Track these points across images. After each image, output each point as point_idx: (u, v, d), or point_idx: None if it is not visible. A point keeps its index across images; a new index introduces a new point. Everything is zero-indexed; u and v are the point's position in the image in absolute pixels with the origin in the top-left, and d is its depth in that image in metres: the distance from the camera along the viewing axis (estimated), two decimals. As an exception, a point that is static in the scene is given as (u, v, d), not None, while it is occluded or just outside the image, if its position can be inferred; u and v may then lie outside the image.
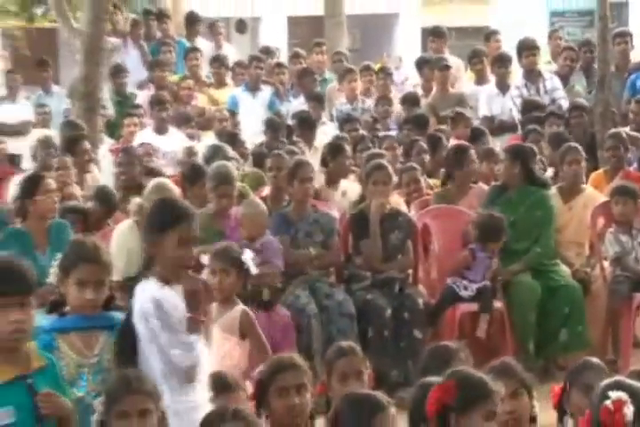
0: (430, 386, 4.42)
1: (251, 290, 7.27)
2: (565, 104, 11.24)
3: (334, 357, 5.11)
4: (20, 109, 13.15)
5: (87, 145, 9.92)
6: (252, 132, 11.24)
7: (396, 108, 11.87)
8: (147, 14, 15.08)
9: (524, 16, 17.82)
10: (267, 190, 8.61)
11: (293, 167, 8.09)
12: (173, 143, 10.56)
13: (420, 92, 12.45)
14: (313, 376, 4.72)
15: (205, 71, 13.40)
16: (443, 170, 9.22)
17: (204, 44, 14.33)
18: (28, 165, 10.08)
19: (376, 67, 13.03)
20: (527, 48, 11.71)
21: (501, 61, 11.79)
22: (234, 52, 14.78)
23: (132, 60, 13.81)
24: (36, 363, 4.19)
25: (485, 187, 8.60)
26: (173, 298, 4.57)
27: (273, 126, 10.80)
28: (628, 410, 4.05)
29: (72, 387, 4.78)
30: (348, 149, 9.21)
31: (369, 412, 4.08)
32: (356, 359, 5.11)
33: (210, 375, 4.98)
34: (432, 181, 9.28)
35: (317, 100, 11.88)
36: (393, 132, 10.97)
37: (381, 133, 10.71)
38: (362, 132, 10.40)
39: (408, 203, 8.68)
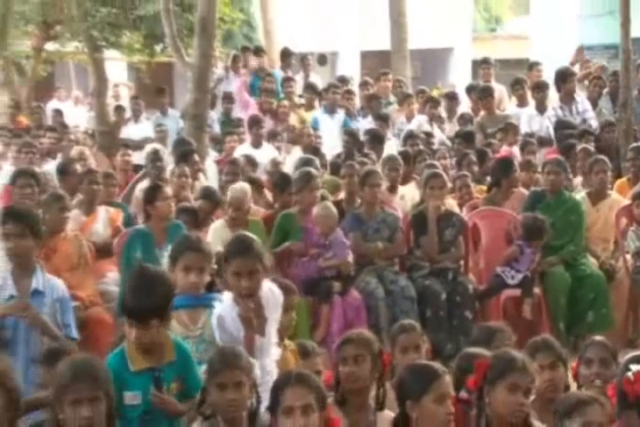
0: (470, 356, 4.64)
1: (325, 284, 7.43)
2: (594, 123, 11.19)
3: (397, 332, 5.20)
4: (143, 128, 13.39)
5: (196, 157, 10.05)
6: (330, 147, 11.31)
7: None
8: (244, 50, 15.22)
9: (559, 49, 17.64)
10: (342, 194, 8.64)
11: (364, 175, 8.15)
12: (266, 156, 10.64)
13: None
14: (380, 349, 4.68)
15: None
16: (488, 178, 9.30)
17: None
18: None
19: (432, 92, 13.06)
20: (568, 75, 11.67)
21: (540, 87, 11.71)
22: (317, 80, 14.86)
23: (232, 87, 14.00)
24: (167, 357, 4.31)
25: (525, 192, 8.56)
26: (234, 320, 4.57)
27: (350, 142, 10.93)
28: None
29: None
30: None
31: (427, 379, 4.10)
32: (416, 335, 5.18)
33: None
34: (479, 187, 9.27)
35: (383, 119, 11.97)
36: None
37: (435, 147, 10.70)
38: (421, 146, 10.43)
39: (460, 205, 8.69)
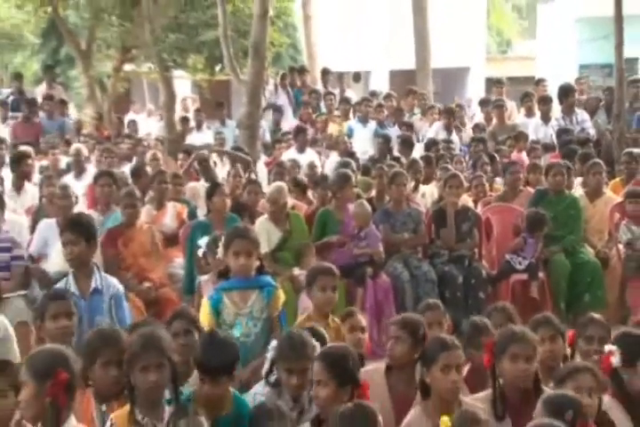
0: (476, 325, 4.76)
1: (359, 269, 7.42)
2: (592, 132, 11.18)
3: (423, 310, 5.16)
4: (204, 136, 13.43)
5: (249, 160, 10.14)
6: (362, 151, 11.32)
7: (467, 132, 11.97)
8: (291, 70, 15.25)
9: (561, 68, 17.54)
10: (373, 192, 8.63)
11: (392, 176, 8.13)
12: (309, 159, 10.66)
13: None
14: (424, 331, 4.56)
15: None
16: (497, 178, 9.29)
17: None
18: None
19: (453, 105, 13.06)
20: (570, 91, 11.60)
21: (545, 101, 11.66)
22: (351, 95, 14.87)
23: (281, 101, 14.04)
24: (225, 409, 4.11)
25: (532, 191, 8.49)
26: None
27: (383, 146, 10.92)
28: (615, 359, 4.09)
29: (231, 329, 4.95)
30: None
31: (437, 350, 4.08)
32: (439, 313, 5.16)
33: None
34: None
35: (408, 127, 11.99)
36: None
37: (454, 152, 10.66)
38: (441, 151, 10.39)
39: (475, 201, 8.64)
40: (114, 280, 5.76)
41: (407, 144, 10.70)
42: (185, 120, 13.88)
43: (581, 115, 11.43)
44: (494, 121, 12.02)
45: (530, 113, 11.96)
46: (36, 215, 8.06)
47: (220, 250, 5.25)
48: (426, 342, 4.39)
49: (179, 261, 7.67)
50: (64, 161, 10.68)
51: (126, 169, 9.98)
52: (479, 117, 12.65)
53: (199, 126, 14.03)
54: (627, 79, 10.96)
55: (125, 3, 15.83)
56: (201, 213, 8.37)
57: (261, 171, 10.48)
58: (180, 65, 17.08)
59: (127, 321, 5.54)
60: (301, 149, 11.30)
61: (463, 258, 7.81)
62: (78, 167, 10.06)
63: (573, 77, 14.55)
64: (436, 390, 4.03)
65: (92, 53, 16.73)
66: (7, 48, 19.80)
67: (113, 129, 14.13)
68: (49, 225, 7.37)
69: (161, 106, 14.63)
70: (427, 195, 9.10)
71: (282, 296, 5.18)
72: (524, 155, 10.33)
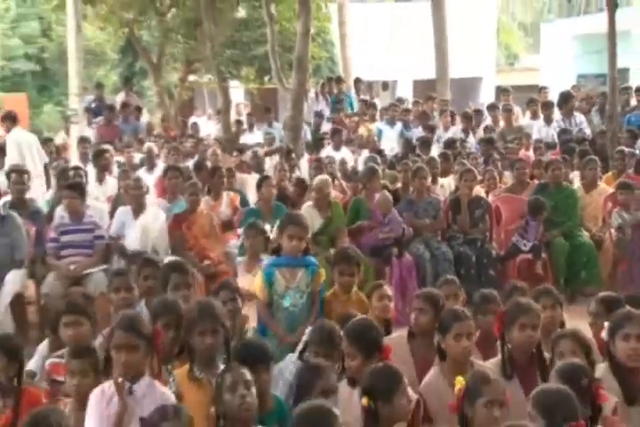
0: (484, 295, 4.71)
1: (386, 250, 7.37)
2: (588, 131, 11.01)
3: (440, 285, 5.12)
4: (255, 136, 13.42)
5: (293, 156, 10.12)
6: (389, 149, 11.24)
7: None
8: (329, 79, 15.19)
9: (562, 78, 17.32)
10: (399, 184, 8.56)
11: (414, 170, 8.07)
12: (344, 156, 10.62)
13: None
14: (443, 303, 4.51)
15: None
16: (507, 173, 9.18)
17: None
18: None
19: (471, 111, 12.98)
20: (568, 97, 11.44)
21: (547, 106, 11.53)
22: (379, 101, 14.80)
23: (320, 107, 14.00)
24: (267, 406, 3.70)
25: (536, 183, 8.40)
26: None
27: (406, 146, 10.83)
28: (604, 333, 3.98)
29: (282, 299, 4.95)
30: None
31: (450, 320, 4.04)
32: (455, 287, 5.12)
33: None
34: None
35: (430, 129, 11.84)
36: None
37: (467, 150, 10.53)
38: (458, 149, 10.30)
39: (487, 192, 8.54)
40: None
41: (426, 144, 10.60)
42: (239, 123, 13.91)
43: (579, 117, 11.28)
44: (502, 123, 11.87)
45: (534, 116, 11.81)
46: (115, 203, 8.12)
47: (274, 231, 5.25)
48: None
49: (233, 243, 7.68)
50: (137, 157, 10.74)
51: (189, 164, 10.02)
52: (488, 120, 12.52)
53: (250, 128, 14.00)
54: (618, 87, 10.79)
55: (190, 23, 15.93)
56: (251, 202, 8.36)
57: (303, 165, 10.44)
58: (235, 76, 17.15)
59: None
60: (337, 148, 11.25)
61: (476, 240, 7.72)
62: (150, 163, 10.12)
63: (571, 85, 14.41)
64: (450, 354, 4.01)
65: (162, 66, 16.91)
66: (91, 63, 19.95)
67: (178, 130, 14.21)
68: (125, 211, 7.42)
69: (218, 110, 14.68)
70: (445, 186, 9.00)
71: (323, 274, 5.14)
72: (530, 152, 10.23)
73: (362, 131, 12.26)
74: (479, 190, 8.36)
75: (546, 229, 7.72)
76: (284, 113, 13.88)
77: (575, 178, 8.91)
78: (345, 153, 11.00)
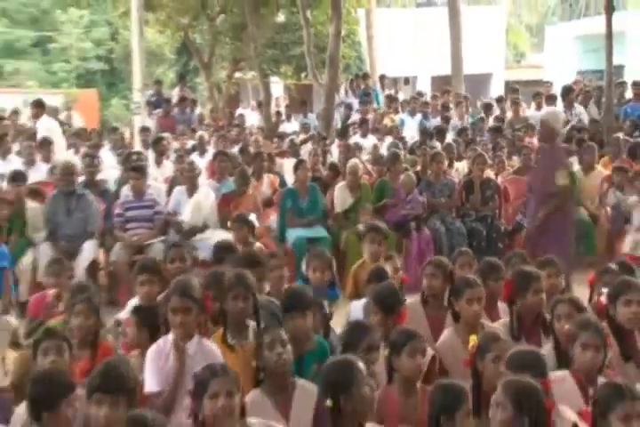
0: (490, 263, 4.57)
1: (406, 224, 7.30)
2: (586, 121, 10.77)
3: (456, 256, 5.03)
4: (292, 126, 13.32)
5: (327, 142, 10.07)
6: (410, 137, 11.09)
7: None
8: (357, 76, 15.03)
9: (563, 74, 16.98)
10: (418, 168, 8.45)
11: (432, 155, 7.98)
12: (370, 143, 10.51)
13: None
14: (451, 269, 4.45)
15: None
16: (514, 157, 9.02)
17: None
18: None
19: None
20: (569, 91, 11.17)
21: (551, 98, 11.32)
22: (402, 95, 14.61)
23: (350, 99, 13.85)
24: (309, 346, 3.69)
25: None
26: None
27: (423, 133, 10.70)
28: (603, 298, 3.94)
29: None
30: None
31: (463, 285, 4.00)
32: (469, 258, 5.00)
33: None
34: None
35: (446, 119, 11.67)
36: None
37: (478, 139, 10.34)
38: (470, 137, 10.15)
39: (496, 175, 8.41)
40: None
41: (441, 133, 10.47)
42: (278, 114, 13.85)
43: (578, 109, 11.04)
44: (510, 114, 11.68)
45: (539, 107, 11.59)
46: (172, 183, 8.12)
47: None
48: (453, 279, 4.30)
49: (273, 218, 7.66)
50: (190, 144, 10.73)
51: (235, 150, 10.00)
52: (497, 111, 12.34)
53: (288, 118, 13.89)
54: (614, 82, 10.56)
55: (236, 27, 15.97)
56: (289, 183, 8.33)
57: (334, 150, 10.37)
58: (275, 73, 17.07)
59: None
60: (364, 135, 11.14)
61: (486, 217, 7.64)
62: (201, 148, 10.10)
63: (571, 80, 14.14)
64: (463, 317, 3.97)
65: (212, 65, 16.99)
66: (152, 62, 20.00)
67: (225, 120, 14.15)
68: (180, 191, 7.42)
69: (259, 103, 14.64)
70: (459, 170, 8.89)
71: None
72: (534, 139, 10.03)
73: (386, 121, 12.13)
74: (489, 173, 8.25)
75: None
76: (318, 105, 13.80)
77: (574, 162, 8.73)
78: (371, 140, 10.90)
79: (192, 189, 7.33)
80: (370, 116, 12.23)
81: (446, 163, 8.38)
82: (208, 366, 2.97)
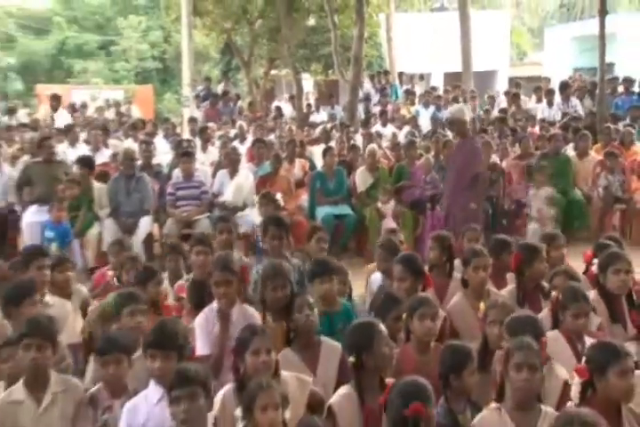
0: (501, 240, 4.39)
1: (422, 204, 7.17)
2: (581, 112, 10.46)
3: (465, 230, 4.95)
4: (321, 116, 13.17)
5: (352, 130, 9.97)
6: (424, 126, 10.91)
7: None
8: (378, 73, 14.78)
9: (561, 70, 16.55)
10: (432, 153, 8.30)
11: (443, 142, 7.81)
12: (389, 131, 10.36)
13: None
14: (450, 243, 4.29)
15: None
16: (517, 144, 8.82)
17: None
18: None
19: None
20: (566, 86, 10.92)
21: (549, 92, 11.02)
22: (418, 90, 14.34)
23: (370, 93, 13.66)
24: (337, 307, 3.65)
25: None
26: None
27: (436, 123, 10.53)
28: (594, 267, 3.85)
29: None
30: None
31: (472, 255, 3.92)
32: (477, 233, 4.93)
33: None
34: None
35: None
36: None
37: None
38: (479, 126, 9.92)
39: (500, 160, 8.09)
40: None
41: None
42: (308, 106, 13.72)
43: (574, 101, 10.75)
44: (513, 106, 11.41)
45: (539, 100, 11.33)
46: (217, 167, 8.09)
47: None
48: (451, 250, 4.23)
49: (304, 198, 7.60)
50: (232, 132, 10.68)
51: (271, 137, 9.94)
52: (504, 103, 12.08)
53: (317, 110, 13.73)
54: (607, 78, 10.26)
55: (272, 30, 15.97)
56: (318, 167, 8.23)
57: (358, 138, 10.24)
58: (306, 70, 16.98)
59: None
60: (384, 125, 10.98)
61: (492, 197, 7.44)
62: (241, 136, 10.06)
63: (568, 75, 13.80)
64: (470, 283, 3.90)
65: (251, 63, 16.96)
66: (199, 60, 19.92)
67: (262, 112, 14.08)
68: (223, 173, 7.37)
69: (291, 97, 14.55)
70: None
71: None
72: (536, 128, 9.80)
73: (403, 112, 11.95)
74: (494, 158, 8.06)
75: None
76: (344, 98, 13.64)
77: (569, 148, 8.51)
78: (390, 129, 10.74)
79: (233, 172, 7.29)
80: (389, 108, 12.06)
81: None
82: (249, 326, 2.93)
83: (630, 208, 7.41)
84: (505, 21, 22.79)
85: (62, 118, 11.39)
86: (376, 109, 12.44)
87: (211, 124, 10.57)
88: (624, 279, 3.67)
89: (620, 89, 11.31)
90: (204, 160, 8.58)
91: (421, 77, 16.39)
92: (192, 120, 11.05)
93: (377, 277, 4.38)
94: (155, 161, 7.87)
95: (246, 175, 7.31)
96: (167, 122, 11.16)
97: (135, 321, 3.33)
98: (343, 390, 2.82)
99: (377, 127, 10.82)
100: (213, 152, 9.03)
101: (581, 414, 2.26)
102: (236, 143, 9.59)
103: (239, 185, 7.13)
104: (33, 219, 6.33)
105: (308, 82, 18.37)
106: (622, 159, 7.64)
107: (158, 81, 24.37)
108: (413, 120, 10.80)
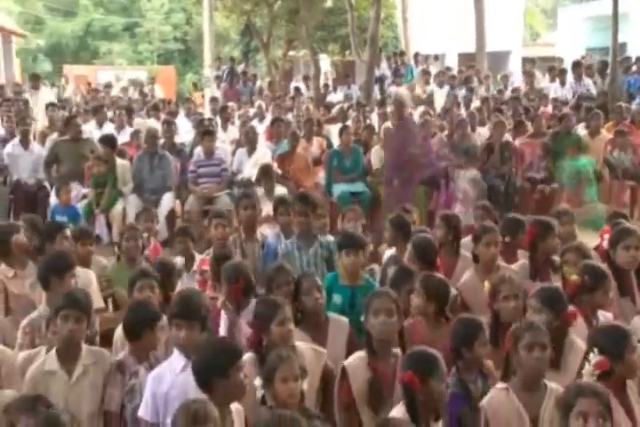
0: (514, 219, 4.26)
1: (435, 180, 7.05)
2: (593, 91, 10.21)
3: (476, 208, 4.88)
4: (337, 96, 12.97)
5: (367, 109, 9.81)
6: (439, 104, 10.69)
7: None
8: (394, 54, 14.53)
9: (574, 50, 16.14)
10: (446, 132, 8.08)
11: (457, 122, 7.62)
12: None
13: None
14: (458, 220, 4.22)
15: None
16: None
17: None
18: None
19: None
20: (579, 65, 10.60)
21: (562, 72, 10.72)
22: (433, 70, 14.09)
23: (387, 74, 13.45)
24: (360, 281, 3.60)
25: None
26: None
27: (450, 103, 10.29)
28: (605, 242, 3.79)
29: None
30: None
31: (482, 231, 3.84)
32: (488, 210, 4.82)
33: None
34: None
35: (470, 90, 11.22)
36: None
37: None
38: (493, 105, 9.73)
39: (514, 138, 7.94)
40: None
41: (467, 101, 10.07)
42: (326, 86, 13.56)
43: (587, 80, 10.44)
44: (527, 86, 11.17)
45: (552, 80, 11.08)
46: (236, 145, 8.04)
47: None
48: (458, 229, 4.14)
49: (321, 175, 7.54)
50: (252, 112, 10.59)
51: (289, 116, 9.84)
52: (518, 82, 11.82)
53: (335, 90, 13.56)
54: (619, 57, 10.00)
55: (290, 12, 15.81)
56: (335, 145, 8.14)
57: (374, 117, 10.10)
58: (324, 51, 16.78)
59: None
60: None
61: (504, 175, 7.28)
62: (260, 115, 9.97)
63: (580, 55, 13.47)
64: (481, 259, 3.84)
65: (270, 44, 16.81)
66: (220, 42, 19.78)
67: (281, 91, 13.94)
68: (242, 152, 7.33)
69: (309, 76, 14.37)
70: (482, 134, 8.51)
71: None
72: (549, 108, 9.60)
73: (419, 91, 11.77)
74: (508, 137, 7.91)
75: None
76: (360, 78, 13.45)
77: (580, 127, 8.32)
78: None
79: (251, 150, 7.24)
80: (403, 87, 11.88)
81: (469, 128, 8.07)
82: (269, 301, 2.92)
83: (640, 185, 7.28)
84: (518, 2, 22.28)
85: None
86: (390, 89, 12.26)
87: (230, 104, 10.48)
88: (634, 255, 3.63)
89: (633, 69, 11.03)
90: (225, 139, 8.53)
91: (436, 58, 16.11)
92: (213, 100, 10.96)
93: (391, 255, 4.30)
94: (177, 140, 7.83)
95: (264, 153, 7.26)
96: (188, 102, 11.08)
97: (144, 295, 3.34)
98: (357, 354, 2.85)
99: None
100: (233, 131, 8.97)
101: (592, 384, 2.30)
102: (255, 122, 9.51)
103: (257, 163, 7.08)
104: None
105: (325, 62, 18.15)
106: (633, 137, 7.47)
107: (180, 62, 24.28)
108: (429, 99, 10.62)
